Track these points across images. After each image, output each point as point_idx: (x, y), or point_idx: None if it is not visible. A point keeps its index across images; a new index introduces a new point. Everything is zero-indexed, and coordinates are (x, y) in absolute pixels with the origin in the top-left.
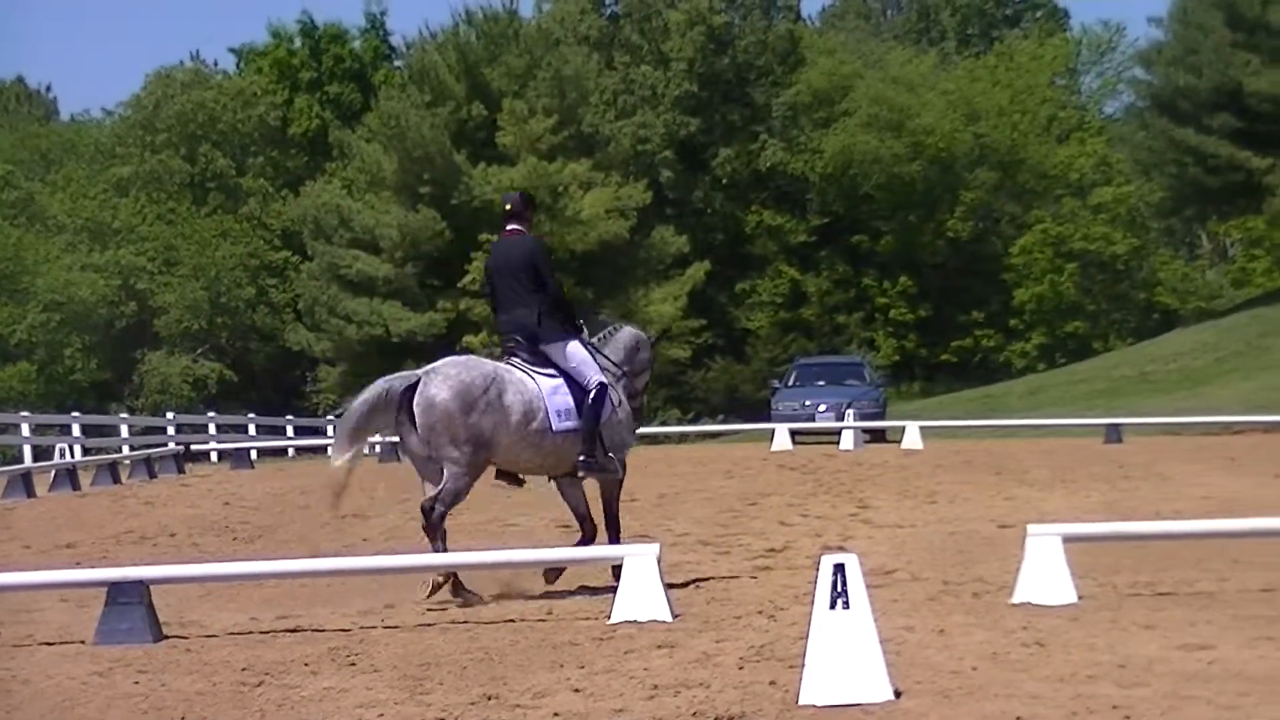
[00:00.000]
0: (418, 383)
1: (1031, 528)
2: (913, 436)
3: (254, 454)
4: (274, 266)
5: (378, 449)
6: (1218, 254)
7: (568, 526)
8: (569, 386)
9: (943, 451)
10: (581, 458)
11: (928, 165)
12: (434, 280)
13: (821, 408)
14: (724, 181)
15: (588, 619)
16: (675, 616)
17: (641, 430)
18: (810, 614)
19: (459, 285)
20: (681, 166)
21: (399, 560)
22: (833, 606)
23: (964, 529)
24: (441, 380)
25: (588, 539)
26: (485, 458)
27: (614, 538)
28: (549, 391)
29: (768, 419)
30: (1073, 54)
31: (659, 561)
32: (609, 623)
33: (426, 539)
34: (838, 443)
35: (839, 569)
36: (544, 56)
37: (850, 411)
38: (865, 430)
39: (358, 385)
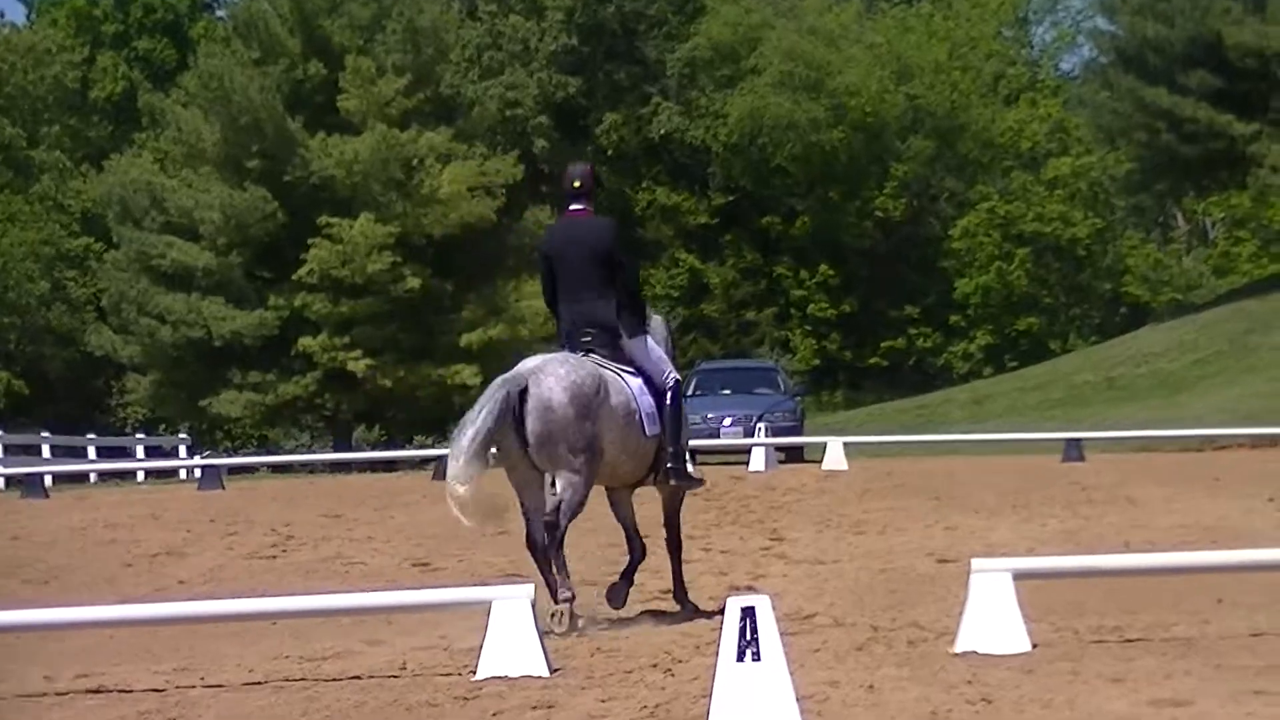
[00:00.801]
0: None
1: (976, 563)
2: (835, 455)
3: (48, 480)
4: (73, 256)
5: (197, 474)
6: (1195, 236)
7: (426, 564)
8: (647, 386)
9: (871, 473)
10: (670, 465)
11: (851, 132)
12: (264, 272)
13: (727, 421)
14: (609, 153)
15: (449, 674)
16: (553, 671)
17: None
18: (714, 667)
19: (294, 278)
20: (559, 135)
21: (221, 606)
22: (741, 658)
23: (896, 565)
24: (554, 381)
25: (642, 556)
26: (598, 465)
27: (678, 549)
28: (638, 392)
29: None
30: (1022, 0)
31: (533, 605)
32: (474, 679)
33: (538, 564)
34: (747, 463)
35: (748, 613)
36: (394, 5)
37: (761, 426)
38: (779, 448)
39: (174, 397)
